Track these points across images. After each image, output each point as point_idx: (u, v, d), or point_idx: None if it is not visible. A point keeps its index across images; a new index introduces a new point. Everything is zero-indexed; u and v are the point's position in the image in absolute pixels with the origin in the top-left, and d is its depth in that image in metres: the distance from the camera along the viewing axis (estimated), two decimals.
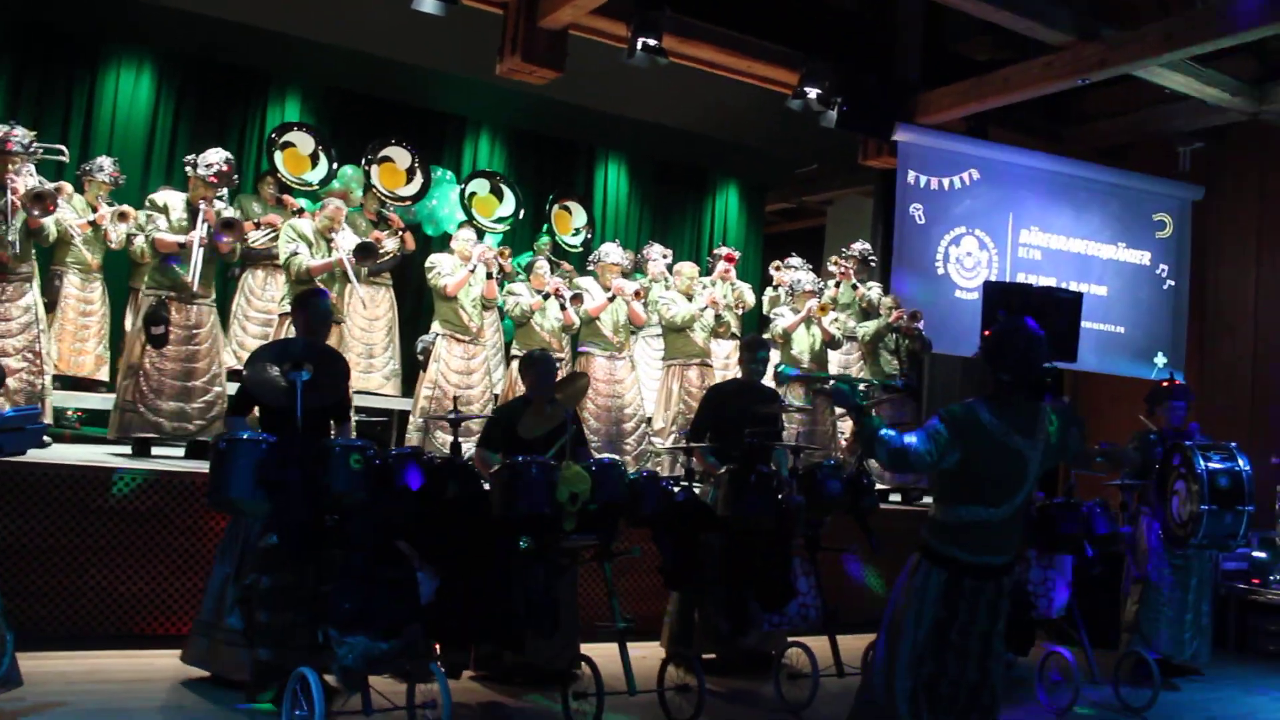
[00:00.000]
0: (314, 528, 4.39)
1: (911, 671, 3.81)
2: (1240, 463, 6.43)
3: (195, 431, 6.82)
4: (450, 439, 5.20)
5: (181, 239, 6.75)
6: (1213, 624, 7.14)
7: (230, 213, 7.10)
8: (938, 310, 9.37)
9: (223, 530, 5.77)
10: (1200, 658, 6.97)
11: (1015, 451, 3.82)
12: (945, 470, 3.82)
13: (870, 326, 9.18)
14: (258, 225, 8.59)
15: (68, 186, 8.14)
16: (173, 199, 6.91)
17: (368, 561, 4.34)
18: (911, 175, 10.07)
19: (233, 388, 7.05)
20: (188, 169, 7.03)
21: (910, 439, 3.78)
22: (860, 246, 9.78)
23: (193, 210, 6.85)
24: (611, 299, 8.42)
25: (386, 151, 9.44)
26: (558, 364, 7.99)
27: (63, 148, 8.02)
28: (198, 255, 6.74)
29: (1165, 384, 7.27)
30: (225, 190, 7.18)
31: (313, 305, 5.23)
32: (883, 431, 3.84)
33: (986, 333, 4.16)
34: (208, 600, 5.08)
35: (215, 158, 6.92)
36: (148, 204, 6.92)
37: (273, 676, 4.38)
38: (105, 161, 8.44)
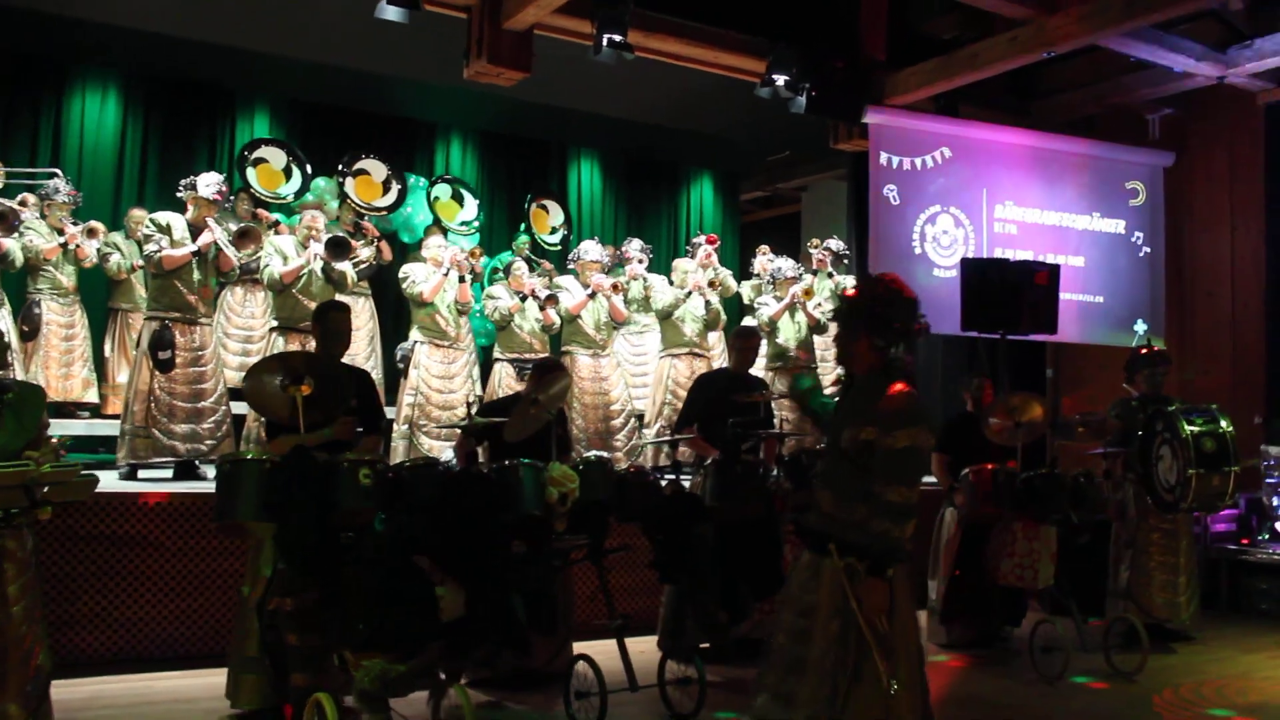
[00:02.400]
0: (324, 547, 4.30)
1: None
2: (1223, 424, 6.50)
3: (208, 451, 6.84)
4: (434, 444, 5.19)
5: (193, 247, 6.84)
6: (1200, 585, 7.22)
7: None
8: (917, 290, 9.24)
9: (220, 551, 5.80)
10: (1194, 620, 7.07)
11: None
12: (920, 461, 3.55)
13: None
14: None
15: (30, 198, 8.14)
16: (174, 219, 6.95)
17: (383, 579, 4.22)
18: (883, 157, 10.07)
19: (236, 406, 7.10)
20: (183, 193, 7.12)
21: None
22: (836, 244, 9.89)
23: (195, 230, 6.93)
24: (592, 296, 8.45)
25: (361, 165, 9.45)
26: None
27: (57, 171, 8.15)
28: (220, 237, 6.93)
29: (1144, 350, 7.33)
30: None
31: (327, 319, 5.13)
32: None
33: (851, 293, 3.84)
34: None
35: (213, 179, 7.10)
36: (149, 224, 6.95)
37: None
38: (59, 183, 8.45)
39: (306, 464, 4.36)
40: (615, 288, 8.60)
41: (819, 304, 9.12)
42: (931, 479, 7.43)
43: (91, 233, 8.39)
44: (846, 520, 3.49)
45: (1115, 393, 7.46)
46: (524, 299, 8.19)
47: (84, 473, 4.18)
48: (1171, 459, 6.61)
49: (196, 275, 6.94)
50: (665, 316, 8.89)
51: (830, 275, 9.90)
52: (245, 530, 4.64)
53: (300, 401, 4.36)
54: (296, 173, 9.22)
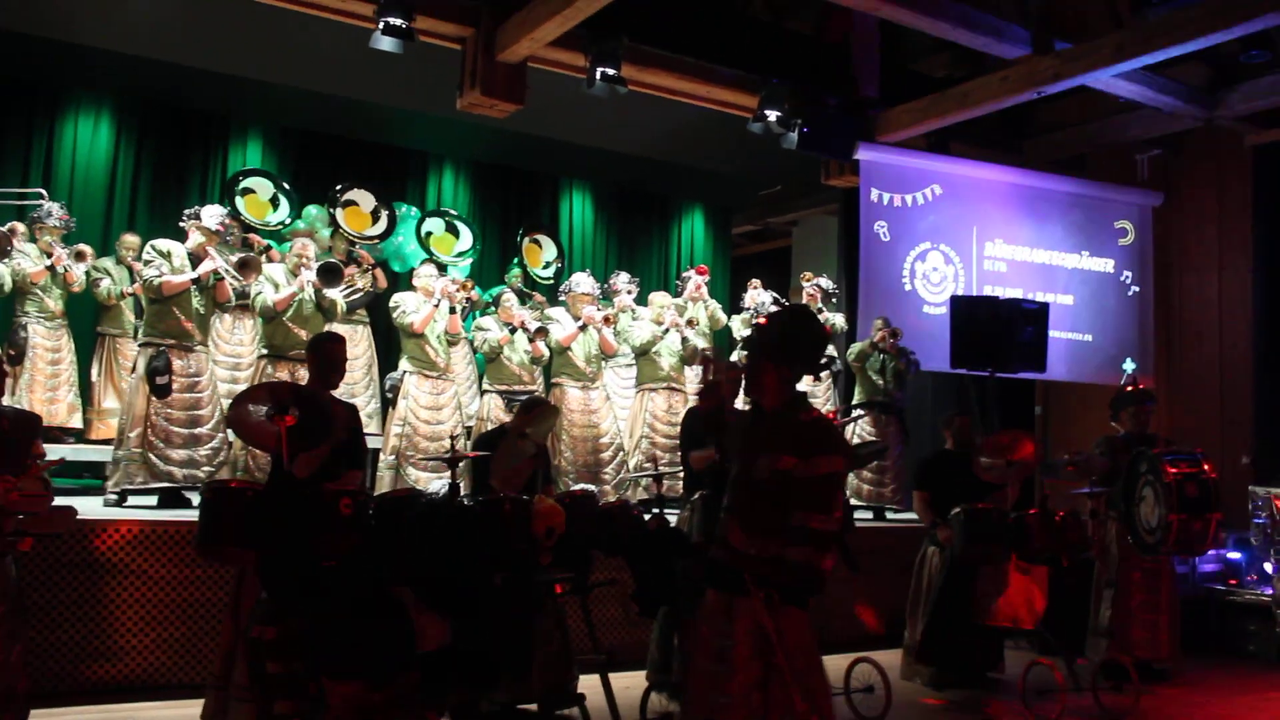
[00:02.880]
0: (305, 576, 4.30)
1: None
2: (1206, 469, 6.45)
3: (206, 478, 6.80)
4: (421, 475, 5.17)
5: (193, 274, 6.91)
6: (1181, 625, 7.18)
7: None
8: (906, 326, 9.42)
9: (201, 579, 5.75)
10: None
11: None
12: (840, 488, 3.51)
13: (856, 348, 9.30)
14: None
15: (20, 227, 8.12)
16: (175, 247, 7.03)
17: (360, 609, 4.25)
18: (874, 193, 10.12)
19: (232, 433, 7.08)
20: (185, 223, 7.22)
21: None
22: (825, 283, 9.96)
23: (195, 259, 7.00)
24: (583, 328, 8.45)
25: (350, 195, 9.47)
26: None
27: (42, 191, 8.17)
28: (223, 266, 7.05)
29: (1129, 388, 7.32)
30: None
31: (324, 349, 5.14)
32: None
33: (762, 321, 3.80)
34: (222, 655, 4.88)
35: (217, 210, 7.26)
36: (150, 250, 6.99)
37: None
38: (53, 207, 8.42)
39: (289, 493, 4.37)
40: (607, 320, 8.60)
41: None
42: (912, 515, 7.42)
43: (80, 256, 8.36)
44: (758, 555, 3.39)
45: (1104, 431, 7.45)
46: (513, 331, 8.17)
47: (56, 505, 4.13)
48: (1154, 501, 6.57)
49: (195, 303, 6.95)
50: (642, 353, 8.89)
51: (820, 311, 9.96)
52: (227, 557, 4.62)
53: (284, 432, 4.34)
54: (284, 202, 9.22)
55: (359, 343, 9.15)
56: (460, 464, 5.28)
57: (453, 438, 5.96)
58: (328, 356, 5.10)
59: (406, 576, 4.53)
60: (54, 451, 8.09)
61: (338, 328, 8.87)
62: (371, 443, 8.71)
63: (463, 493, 5.34)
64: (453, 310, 8.01)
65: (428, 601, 4.54)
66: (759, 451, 3.50)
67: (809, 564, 3.31)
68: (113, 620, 5.67)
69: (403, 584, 4.51)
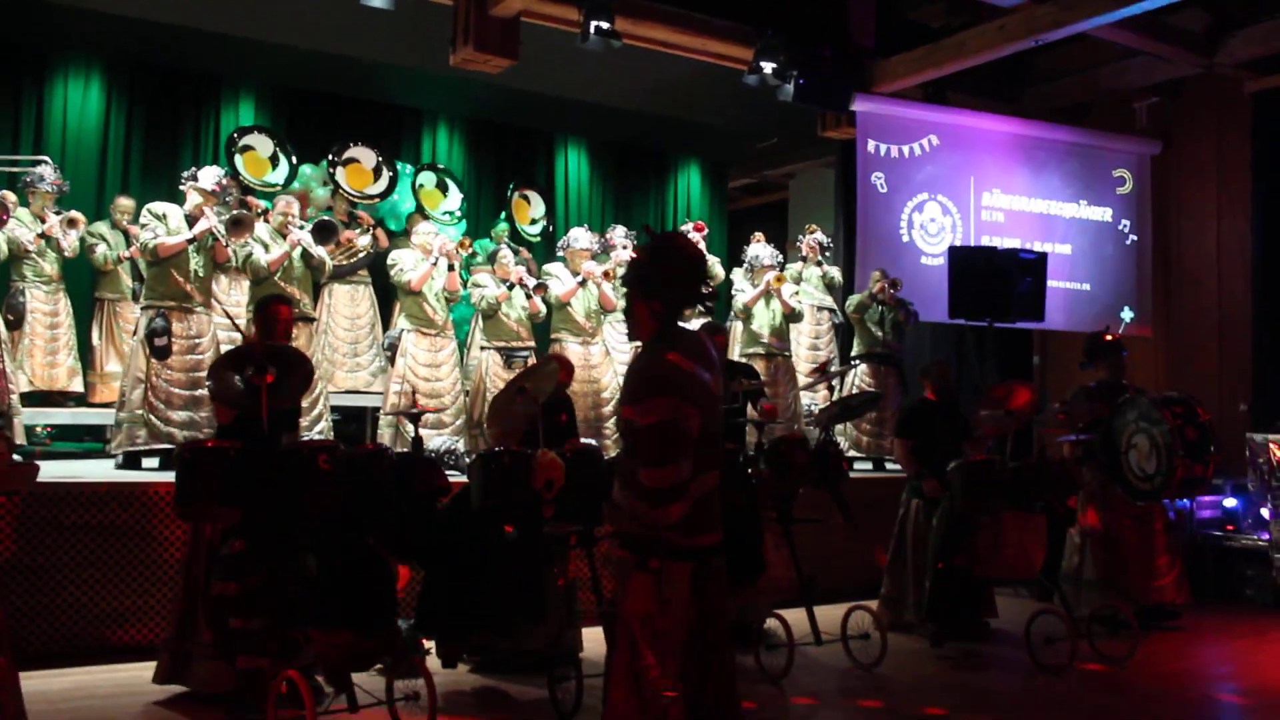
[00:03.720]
0: (286, 531, 4.41)
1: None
2: (1199, 411, 6.53)
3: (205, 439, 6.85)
4: (422, 433, 5.20)
5: (188, 235, 6.86)
6: (1187, 567, 7.22)
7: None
8: (904, 277, 9.41)
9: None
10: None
11: (712, 393, 3.16)
12: (673, 437, 3.03)
13: (854, 299, 9.32)
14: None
15: (10, 196, 8.08)
16: (170, 209, 6.99)
17: (344, 561, 4.32)
18: (871, 145, 10.08)
19: None
20: (184, 185, 7.15)
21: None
22: (821, 236, 9.98)
23: (191, 221, 6.95)
24: (582, 283, 8.44)
25: (350, 153, 9.44)
26: (528, 354, 8.04)
27: (45, 159, 8.15)
28: (216, 225, 6.95)
29: (1107, 339, 7.33)
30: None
31: (266, 311, 5.30)
32: None
33: (634, 255, 3.44)
34: (178, 615, 5.02)
35: (214, 171, 7.18)
36: (146, 213, 6.96)
37: (256, 683, 4.37)
38: (46, 170, 8.36)
39: (268, 451, 4.46)
40: (607, 275, 8.59)
41: (795, 292, 9.22)
42: (895, 465, 7.43)
43: (72, 223, 8.32)
44: (627, 509, 3.12)
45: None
46: (511, 287, 8.16)
47: (16, 462, 4.13)
48: (1149, 448, 6.59)
49: (193, 264, 6.93)
50: None
51: (819, 264, 9.96)
52: (210, 517, 4.65)
53: (264, 390, 4.44)
54: (283, 160, 9.18)
55: (361, 302, 9.14)
56: (420, 418, 5.43)
57: (414, 392, 6.01)
58: (272, 316, 5.27)
59: (369, 528, 4.59)
60: (54, 416, 8.17)
61: (340, 288, 8.94)
62: (375, 401, 8.76)
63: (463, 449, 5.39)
64: (451, 268, 7.99)
65: (390, 552, 4.61)
66: (622, 397, 3.24)
67: (651, 523, 3.00)
68: (118, 582, 5.70)
69: (369, 534, 4.58)
